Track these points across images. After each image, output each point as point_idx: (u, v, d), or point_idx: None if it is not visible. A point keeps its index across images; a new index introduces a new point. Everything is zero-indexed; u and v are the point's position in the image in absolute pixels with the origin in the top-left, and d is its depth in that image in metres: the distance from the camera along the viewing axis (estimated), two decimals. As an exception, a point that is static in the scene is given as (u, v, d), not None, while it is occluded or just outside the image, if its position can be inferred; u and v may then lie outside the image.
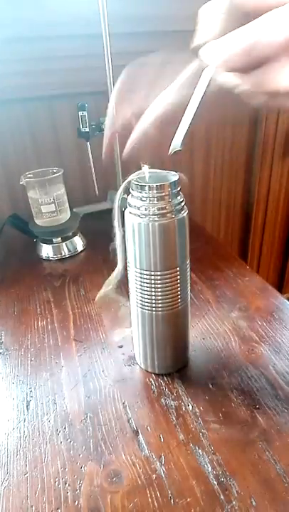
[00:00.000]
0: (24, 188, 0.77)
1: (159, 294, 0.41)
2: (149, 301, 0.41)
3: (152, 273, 0.40)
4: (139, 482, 0.35)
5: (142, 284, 0.41)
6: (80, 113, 0.80)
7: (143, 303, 0.42)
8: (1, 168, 0.94)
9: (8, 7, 0.80)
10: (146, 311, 0.42)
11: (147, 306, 0.42)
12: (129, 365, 0.49)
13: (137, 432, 0.39)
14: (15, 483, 0.36)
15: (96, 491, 0.34)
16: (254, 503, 0.33)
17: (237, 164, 1.23)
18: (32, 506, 0.34)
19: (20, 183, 0.74)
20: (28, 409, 0.43)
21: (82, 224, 0.82)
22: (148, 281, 0.40)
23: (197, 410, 0.41)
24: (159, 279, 0.40)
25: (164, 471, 0.35)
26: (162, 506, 0.33)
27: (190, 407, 0.42)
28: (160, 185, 0.36)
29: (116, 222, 0.39)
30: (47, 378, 0.47)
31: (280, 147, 1.24)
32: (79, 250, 0.79)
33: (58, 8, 0.83)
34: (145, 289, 0.41)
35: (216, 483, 0.34)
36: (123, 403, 0.43)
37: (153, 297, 0.41)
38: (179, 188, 0.38)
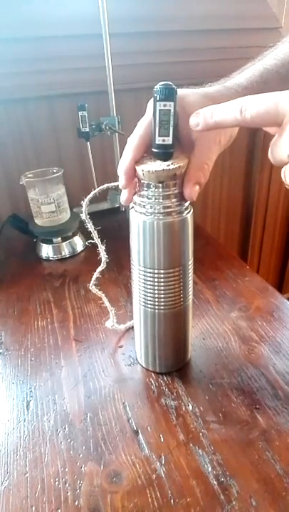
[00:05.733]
0: (24, 188, 0.77)
1: (162, 292, 0.41)
2: (152, 299, 0.41)
3: (156, 271, 0.40)
4: (139, 482, 0.35)
5: (146, 282, 0.41)
6: (80, 113, 0.80)
7: (146, 301, 0.42)
8: (1, 168, 0.94)
9: (7, 7, 0.80)
10: (149, 309, 0.42)
11: (150, 305, 0.42)
12: (129, 365, 0.49)
13: (137, 432, 0.39)
14: (15, 483, 0.36)
15: (96, 491, 0.34)
16: (254, 503, 0.33)
17: (237, 166, 1.23)
18: (32, 506, 0.34)
19: (21, 183, 0.74)
20: (28, 409, 0.43)
21: (82, 224, 0.82)
22: (151, 279, 0.40)
23: (197, 410, 0.41)
24: (163, 278, 0.40)
25: (164, 471, 0.35)
26: (162, 506, 0.33)
27: (190, 407, 0.42)
28: (166, 183, 0.36)
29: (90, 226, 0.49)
30: (47, 378, 0.47)
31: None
32: (79, 250, 0.79)
33: (58, 8, 0.83)
34: (148, 287, 0.41)
35: (216, 483, 0.34)
36: (123, 403, 0.43)
37: (156, 295, 0.41)
38: None
